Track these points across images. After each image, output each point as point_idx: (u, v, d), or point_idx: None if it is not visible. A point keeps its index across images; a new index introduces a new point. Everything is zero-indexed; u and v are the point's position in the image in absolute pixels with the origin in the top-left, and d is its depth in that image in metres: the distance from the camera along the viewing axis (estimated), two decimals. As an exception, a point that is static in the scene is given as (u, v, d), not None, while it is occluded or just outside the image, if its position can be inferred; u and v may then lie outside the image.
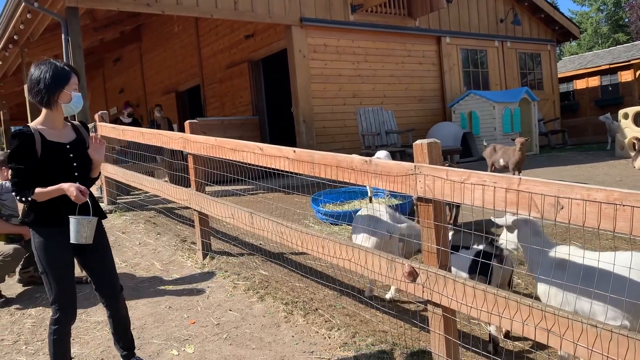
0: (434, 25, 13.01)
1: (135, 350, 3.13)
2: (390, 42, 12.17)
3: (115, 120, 10.96)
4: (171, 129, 11.31)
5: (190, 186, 5.04)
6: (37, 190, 2.62)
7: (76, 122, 2.95)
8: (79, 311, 4.11)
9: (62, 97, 2.71)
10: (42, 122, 2.75)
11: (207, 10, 9.54)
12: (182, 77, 15.49)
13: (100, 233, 2.87)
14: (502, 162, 6.47)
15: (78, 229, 2.65)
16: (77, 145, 2.81)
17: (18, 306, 4.37)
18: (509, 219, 2.85)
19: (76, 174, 2.77)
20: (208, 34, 13.88)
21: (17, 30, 9.76)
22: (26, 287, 4.76)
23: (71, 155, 2.76)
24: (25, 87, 11.03)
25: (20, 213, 2.88)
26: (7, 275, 4.55)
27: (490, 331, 3.09)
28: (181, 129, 7.51)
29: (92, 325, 3.88)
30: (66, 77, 2.70)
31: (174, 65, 15.71)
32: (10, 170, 2.70)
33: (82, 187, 2.68)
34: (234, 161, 4.13)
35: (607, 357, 1.94)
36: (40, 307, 4.29)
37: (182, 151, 5.47)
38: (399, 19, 12.29)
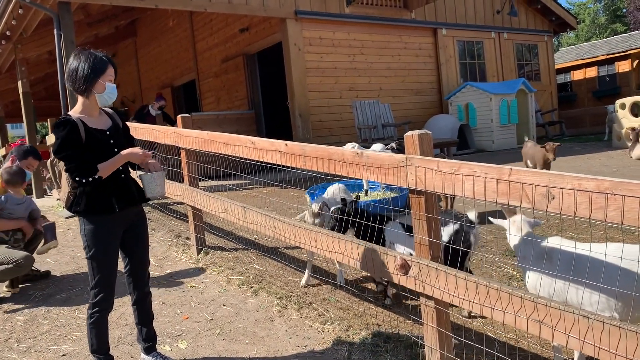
0: (430, 17, 12.95)
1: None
2: (386, 35, 12.11)
3: (143, 108, 10.76)
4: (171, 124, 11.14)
5: (183, 181, 5.01)
6: (101, 165, 2.69)
7: (109, 110, 2.98)
8: (71, 308, 4.10)
9: (97, 87, 2.76)
10: (80, 110, 2.80)
11: (201, 3, 9.47)
12: (177, 72, 15.43)
13: (142, 219, 3.03)
14: (529, 163, 6.19)
15: (153, 183, 2.84)
16: (114, 130, 2.88)
17: (11, 304, 4.34)
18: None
19: None
20: (203, 28, 13.80)
21: (9, 26, 9.67)
22: (20, 285, 4.72)
23: (111, 141, 2.82)
24: (20, 83, 10.98)
25: (64, 203, 2.90)
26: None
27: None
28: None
29: (84, 322, 3.84)
30: (103, 67, 2.75)
31: (169, 60, 15.64)
32: (61, 160, 2.73)
33: (142, 150, 2.82)
34: (227, 155, 4.10)
35: (599, 347, 1.92)
36: (33, 305, 4.26)
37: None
38: (394, 11, 12.22)
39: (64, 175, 2.90)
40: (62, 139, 2.64)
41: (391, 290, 3.79)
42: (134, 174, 3.04)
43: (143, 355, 3.11)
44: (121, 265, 2.95)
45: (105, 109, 2.95)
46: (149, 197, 2.93)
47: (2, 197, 4.57)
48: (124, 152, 2.80)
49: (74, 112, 2.78)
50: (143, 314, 3.08)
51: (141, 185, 2.92)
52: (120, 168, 2.84)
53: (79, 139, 2.67)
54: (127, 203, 2.86)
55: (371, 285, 4.08)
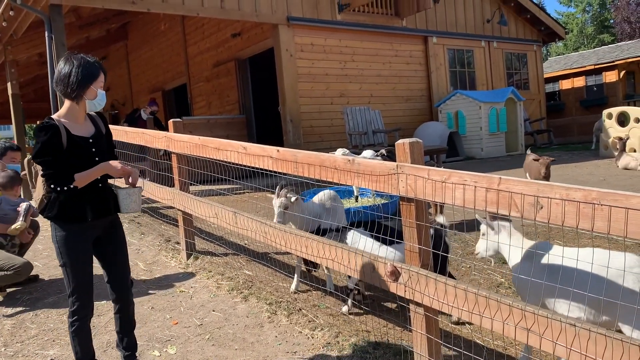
0: (421, 25, 13.05)
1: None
2: (377, 42, 12.19)
3: (134, 111, 10.64)
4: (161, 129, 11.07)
5: (174, 185, 5.00)
6: (77, 175, 2.63)
7: (93, 114, 2.91)
8: (59, 312, 4.07)
9: (89, 93, 2.71)
10: (64, 114, 2.73)
11: (193, 8, 9.48)
12: (168, 76, 15.39)
13: (117, 226, 2.96)
14: (528, 175, 6.14)
15: (128, 199, 2.79)
16: (97, 138, 2.82)
17: (-2, 307, 4.30)
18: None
19: None
20: (194, 33, 13.80)
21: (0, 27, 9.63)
22: (8, 289, 4.68)
23: (93, 149, 2.77)
24: (9, 84, 10.90)
25: (37, 204, 2.84)
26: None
27: None
28: (167, 128, 7.44)
29: (73, 326, 3.83)
30: (96, 73, 2.72)
31: (160, 63, 15.61)
32: (38, 164, 2.67)
33: (122, 163, 2.78)
34: (218, 160, 4.11)
35: (585, 355, 1.95)
36: (21, 309, 4.23)
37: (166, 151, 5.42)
38: (386, 19, 12.30)
39: (40, 178, 2.84)
40: (43, 143, 2.59)
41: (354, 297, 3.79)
42: (118, 182, 2.99)
43: None
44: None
45: (90, 112, 2.90)
46: (123, 213, 2.88)
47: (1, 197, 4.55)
48: (102, 164, 2.74)
49: (59, 116, 2.71)
50: (125, 322, 3.01)
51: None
52: (98, 177, 2.78)
53: (60, 146, 2.61)
54: (102, 213, 2.80)
55: (363, 290, 4.10)
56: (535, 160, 5.87)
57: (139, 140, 5.47)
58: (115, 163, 2.76)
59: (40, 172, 2.71)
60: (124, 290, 2.98)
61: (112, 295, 2.97)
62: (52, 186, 2.63)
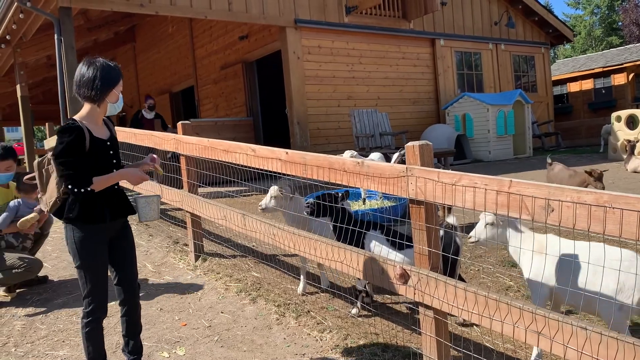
0: (429, 28, 13.04)
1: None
2: (384, 44, 12.19)
3: (137, 113, 10.58)
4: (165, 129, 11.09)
5: (182, 187, 5.02)
6: (96, 178, 2.68)
7: (104, 117, 2.97)
8: (69, 313, 4.10)
9: (111, 96, 2.79)
10: (85, 117, 2.78)
11: (201, 10, 9.51)
12: (176, 78, 15.46)
13: (127, 227, 3.00)
14: None
15: (147, 208, 2.91)
16: (113, 141, 2.90)
17: (8, 308, 4.33)
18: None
19: (114, 170, 2.86)
20: (202, 35, 13.85)
21: (9, 30, 9.69)
22: (18, 290, 4.71)
23: (111, 152, 2.85)
24: (18, 86, 10.99)
25: (49, 207, 2.86)
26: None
27: None
28: (175, 131, 7.47)
29: (82, 327, 3.85)
30: (118, 77, 2.80)
31: (167, 66, 15.67)
32: (59, 165, 2.69)
33: (142, 173, 2.85)
34: (227, 163, 4.12)
35: (597, 359, 1.94)
36: (31, 309, 4.26)
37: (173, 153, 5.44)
38: (393, 21, 12.30)
39: (53, 180, 2.86)
40: (67, 144, 2.63)
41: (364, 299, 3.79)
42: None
43: None
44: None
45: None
46: (142, 221, 2.97)
47: (17, 201, 4.58)
48: (122, 172, 2.82)
49: (80, 118, 2.77)
50: (131, 325, 3.03)
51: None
52: (114, 170, 2.84)
53: (83, 147, 2.67)
54: (119, 215, 2.87)
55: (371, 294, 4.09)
56: (573, 169, 4.96)
57: (147, 142, 5.50)
58: (133, 171, 2.85)
59: (58, 173, 2.74)
60: (132, 292, 3.00)
61: (120, 296, 2.99)
62: (69, 187, 2.66)
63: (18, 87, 11.05)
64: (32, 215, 4.43)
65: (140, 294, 4.36)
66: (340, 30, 11.33)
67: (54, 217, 4.82)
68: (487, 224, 3.02)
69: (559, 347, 2.06)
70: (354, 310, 3.72)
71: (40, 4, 8.23)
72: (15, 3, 8.30)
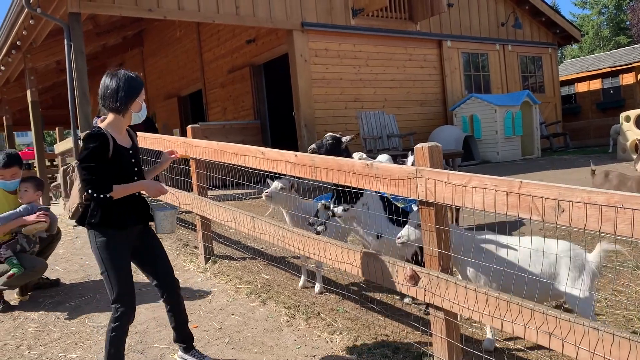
0: (435, 29, 13.04)
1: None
2: (391, 46, 12.19)
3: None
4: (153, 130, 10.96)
5: (192, 190, 5.05)
6: (116, 186, 2.75)
7: (127, 127, 3.06)
8: (81, 315, 4.14)
9: (135, 106, 2.89)
10: (110, 126, 2.87)
11: (209, 15, 9.57)
12: (184, 82, 15.53)
13: (147, 227, 3.09)
14: None
15: (165, 221, 2.98)
16: (135, 150, 2.99)
17: (21, 311, 4.37)
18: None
19: (135, 178, 2.93)
20: (210, 39, 13.92)
21: (19, 36, 9.79)
22: (30, 293, 4.76)
23: (133, 160, 2.93)
24: (28, 92, 11.08)
25: (69, 213, 2.95)
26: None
27: None
28: (183, 134, 7.51)
29: (94, 329, 3.89)
30: (140, 87, 2.90)
31: (175, 70, 15.76)
32: (82, 169, 2.77)
33: (161, 186, 2.94)
34: (236, 165, 4.15)
35: (609, 359, 1.94)
36: (43, 312, 4.30)
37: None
38: (400, 23, 12.31)
39: (76, 187, 2.94)
40: (92, 150, 2.71)
41: None
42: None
43: (181, 353, 3.22)
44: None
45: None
46: (159, 233, 3.06)
47: (29, 205, 4.62)
48: (142, 182, 2.91)
49: (105, 126, 2.85)
50: (179, 317, 3.18)
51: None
52: (135, 178, 2.94)
53: (106, 154, 2.75)
54: (140, 220, 2.97)
55: (379, 296, 4.11)
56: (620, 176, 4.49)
57: (157, 145, 5.53)
58: (153, 183, 2.97)
59: (80, 178, 2.81)
60: (171, 286, 3.12)
61: (164, 293, 3.10)
62: (89, 191, 2.73)
63: (28, 92, 11.14)
64: (40, 225, 4.49)
65: (151, 295, 4.41)
66: (347, 32, 11.36)
67: (56, 216, 4.88)
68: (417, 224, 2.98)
69: (571, 348, 2.07)
70: (407, 299, 3.86)
71: (50, 10, 8.31)
72: (26, 9, 8.38)
